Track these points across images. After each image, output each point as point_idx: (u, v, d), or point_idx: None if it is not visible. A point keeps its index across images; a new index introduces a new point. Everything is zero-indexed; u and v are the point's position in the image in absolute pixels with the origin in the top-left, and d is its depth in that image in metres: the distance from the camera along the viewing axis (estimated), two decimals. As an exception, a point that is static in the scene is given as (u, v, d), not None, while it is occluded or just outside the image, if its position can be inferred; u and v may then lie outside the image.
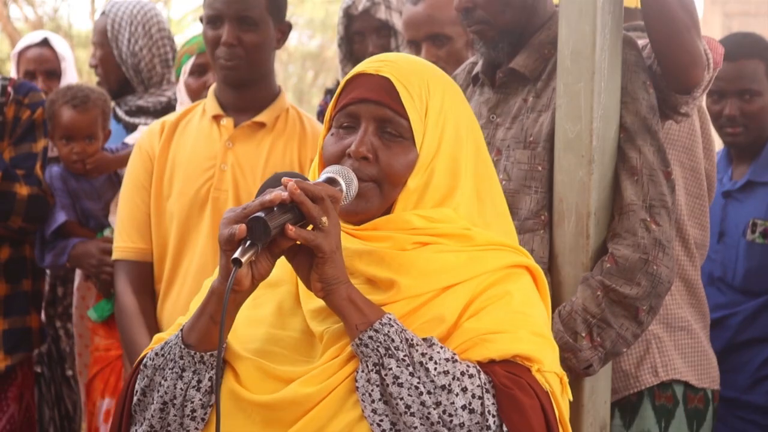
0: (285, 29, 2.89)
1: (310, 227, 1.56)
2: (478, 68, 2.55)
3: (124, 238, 2.89)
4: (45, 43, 4.12)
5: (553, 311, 2.34)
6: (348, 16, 3.49)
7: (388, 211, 1.70)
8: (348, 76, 1.73)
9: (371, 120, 1.68)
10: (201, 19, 2.89)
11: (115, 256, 2.92)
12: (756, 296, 3.22)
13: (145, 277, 2.88)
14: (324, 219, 1.55)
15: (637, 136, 2.35)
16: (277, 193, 1.54)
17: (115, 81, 3.81)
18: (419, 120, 1.69)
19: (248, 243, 1.51)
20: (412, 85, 1.69)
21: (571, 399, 1.73)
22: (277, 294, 1.72)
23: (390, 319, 1.56)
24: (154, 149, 2.86)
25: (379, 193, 1.68)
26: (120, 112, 3.80)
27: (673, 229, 2.35)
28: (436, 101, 1.71)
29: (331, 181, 1.63)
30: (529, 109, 2.43)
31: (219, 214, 2.76)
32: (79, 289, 3.55)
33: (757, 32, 3.50)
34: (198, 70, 3.51)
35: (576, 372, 2.32)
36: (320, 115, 3.66)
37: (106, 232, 3.41)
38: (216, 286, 1.58)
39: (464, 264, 1.66)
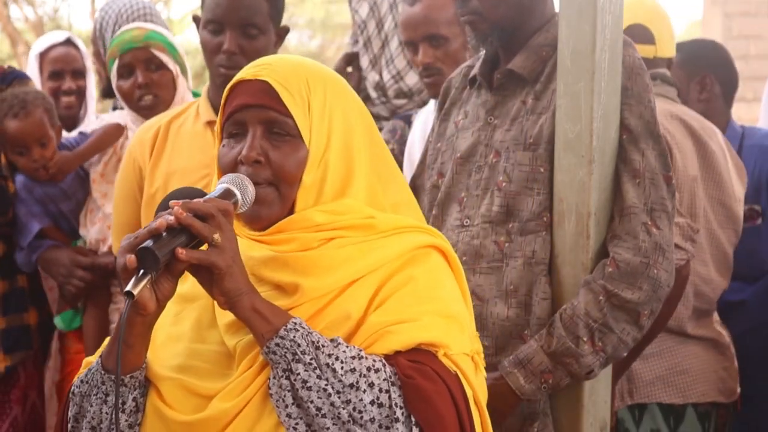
0: (282, 33, 2.85)
1: (206, 245, 1.56)
2: (475, 70, 2.55)
3: (116, 241, 2.91)
4: (69, 42, 4.08)
5: (553, 312, 2.35)
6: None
7: (291, 212, 1.70)
8: (229, 85, 1.74)
9: (257, 124, 1.68)
10: (194, 19, 2.83)
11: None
12: (746, 280, 3.21)
13: None
14: (216, 236, 1.55)
15: (640, 139, 2.35)
16: (162, 220, 1.53)
17: (106, 78, 3.80)
18: (303, 116, 1.69)
19: (141, 272, 1.51)
20: (291, 84, 1.70)
21: (484, 375, 1.73)
22: (196, 308, 1.73)
23: (295, 323, 1.57)
24: (146, 157, 2.82)
25: (278, 194, 1.68)
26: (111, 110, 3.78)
27: (672, 233, 2.35)
28: (318, 95, 1.71)
29: (227, 192, 1.62)
30: (528, 111, 2.43)
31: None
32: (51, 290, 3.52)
33: (757, 32, 3.50)
34: (125, 72, 3.35)
35: (578, 377, 2.32)
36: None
37: (79, 243, 3.37)
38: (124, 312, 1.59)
39: (366, 255, 1.66)
